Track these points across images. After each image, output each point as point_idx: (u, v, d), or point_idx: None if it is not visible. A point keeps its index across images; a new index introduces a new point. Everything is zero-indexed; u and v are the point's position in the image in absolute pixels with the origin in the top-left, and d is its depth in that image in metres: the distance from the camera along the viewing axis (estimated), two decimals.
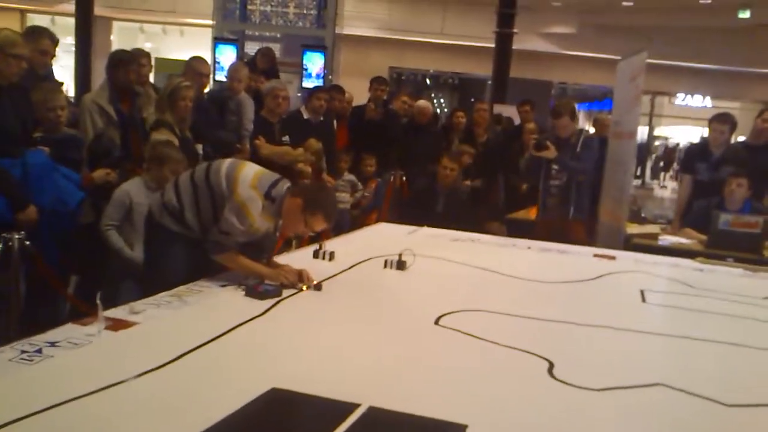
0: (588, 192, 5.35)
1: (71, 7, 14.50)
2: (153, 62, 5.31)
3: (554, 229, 5.06)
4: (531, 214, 6.18)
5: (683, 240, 5.07)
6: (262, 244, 3.05)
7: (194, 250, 2.96)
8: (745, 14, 14.73)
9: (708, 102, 22.33)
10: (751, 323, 2.99)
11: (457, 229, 4.85)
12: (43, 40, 4.04)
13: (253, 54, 7.87)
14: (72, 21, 14.22)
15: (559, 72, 19.91)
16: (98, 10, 14.86)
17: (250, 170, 2.94)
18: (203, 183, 2.94)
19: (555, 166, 5.22)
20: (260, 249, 3.05)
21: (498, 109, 9.56)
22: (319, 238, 3.95)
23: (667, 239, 5.11)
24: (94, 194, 3.78)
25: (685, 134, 25.45)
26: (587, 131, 5.52)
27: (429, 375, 2.07)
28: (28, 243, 3.20)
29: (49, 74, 4.24)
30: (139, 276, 3.45)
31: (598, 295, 3.37)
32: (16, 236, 3.18)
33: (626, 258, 4.28)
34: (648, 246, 4.90)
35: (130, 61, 4.54)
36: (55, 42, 4.13)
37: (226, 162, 3.02)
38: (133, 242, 3.58)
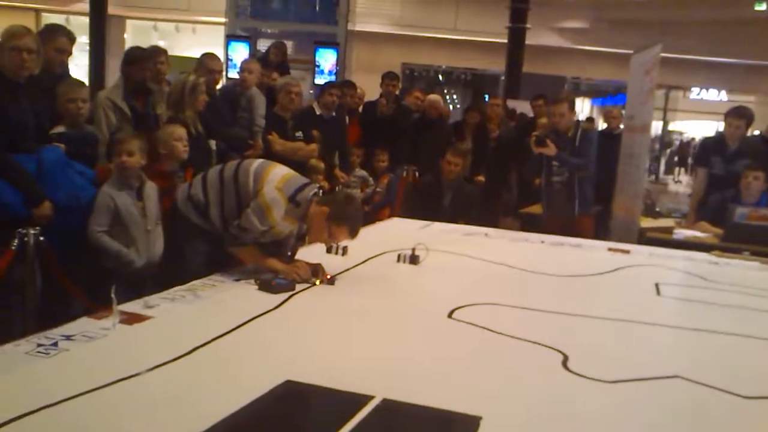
0: (591, 186, 5.29)
1: (85, 6, 14.59)
2: None
3: (562, 225, 5.02)
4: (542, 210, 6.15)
5: (698, 233, 5.03)
6: (284, 245, 3.06)
7: (215, 244, 2.99)
8: (761, 6, 14.57)
9: (723, 96, 22.14)
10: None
11: (469, 224, 4.83)
12: (59, 38, 4.04)
13: (265, 50, 7.88)
14: (86, 20, 14.33)
15: (572, 67, 19.80)
16: (112, 9, 14.95)
17: (279, 172, 2.95)
18: (231, 180, 2.96)
19: (555, 163, 5.17)
20: (281, 250, 3.05)
21: (511, 104, 9.52)
22: None
23: (681, 233, 5.07)
24: None
25: (700, 128, 25.24)
26: (585, 123, 5.44)
27: (443, 368, 2.07)
28: (42, 239, 3.21)
29: (65, 72, 4.25)
30: (135, 278, 3.39)
31: (613, 289, 3.35)
32: (32, 232, 3.20)
33: (641, 252, 4.25)
34: (663, 240, 4.86)
35: (145, 59, 4.55)
36: (72, 40, 4.13)
37: (257, 162, 3.05)
38: (128, 244, 3.48)
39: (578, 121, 5.32)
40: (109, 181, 3.63)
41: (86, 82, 5.47)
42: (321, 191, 3.03)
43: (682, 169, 23.48)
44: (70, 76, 4.34)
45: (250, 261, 2.96)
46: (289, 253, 3.07)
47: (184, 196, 3.07)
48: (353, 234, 2.93)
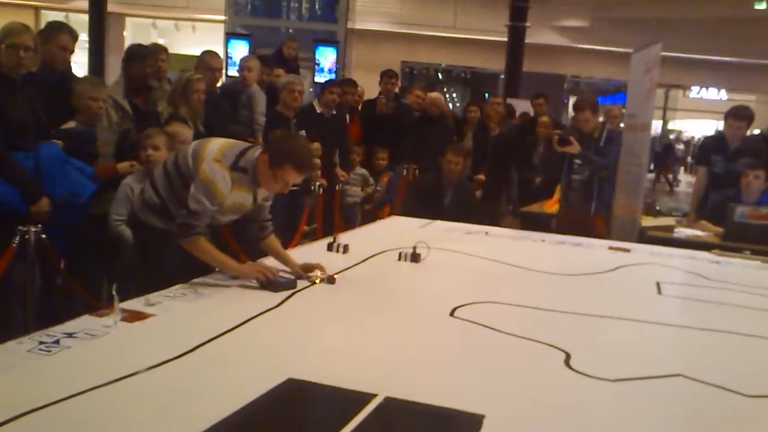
0: (611, 188, 5.28)
1: (85, 4, 14.59)
2: None
3: (576, 224, 5.02)
4: (545, 207, 6.15)
5: (699, 232, 5.03)
6: (255, 217, 2.94)
7: None
8: (761, 5, 14.58)
9: (723, 95, 22.16)
10: None
11: (469, 222, 4.83)
12: (62, 36, 4.03)
13: (276, 47, 7.86)
14: (85, 17, 14.31)
15: (572, 65, 19.80)
16: (111, 7, 14.93)
17: (215, 144, 2.77)
18: (174, 170, 2.83)
19: (577, 161, 5.16)
20: (257, 223, 2.95)
21: (511, 102, 9.52)
22: (332, 230, 3.96)
23: (682, 232, 5.07)
24: (115, 185, 3.79)
25: (700, 127, 25.26)
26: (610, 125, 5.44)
27: (446, 366, 2.07)
28: (44, 236, 3.21)
29: (68, 70, 4.24)
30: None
31: (614, 287, 3.35)
32: (33, 229, 3.20)
33: (641, 250, 4.25)
34: (663, 238, 4.86)
35: (145, 56, 4.55)
36: (74, 38, 4.13)
37: (194, 143, 2.91)
38: None
39: (604, 122, 5.31)
40: (133, 175, 3.68)
41: None
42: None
43: (681, 168, 23.46)
44: (72, 74, 4.34)
45: (203, 258, 2.72)
46: (266, 231, 2.97)
47: (140, 205, 2.95)
48: (301, 169, 2.72)
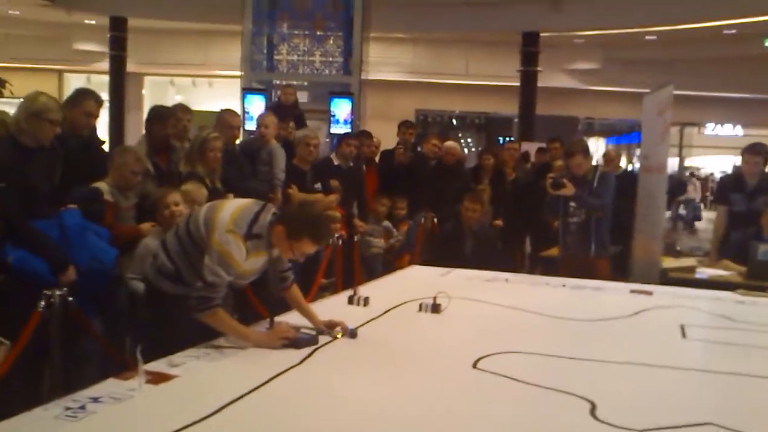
0: (608, 228, 5.26)
1: (105, 66, 15.03)
2: None
3: (578, 266, 4.98)
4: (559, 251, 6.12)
5: (722, 272, 4.98)
6: (274, 270, 2.90)
7: None
8: None
9: (739, 130, 22.11)
10: None
11: (490, 269, 4.82)
12: (87, 102, 4.11)
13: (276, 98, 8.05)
14: (106, 78, 14.75)
15: (585, 107, 19.94)
16: (131, 67, 15.37)
17: (227, 212, 2.72)
18: (186, 236, 2.80)
19: (573, 204, 5.15)
20: (277, 275, 2.93)
21: (525, 146, 9.57)
22: (352, 282, 3.97)
23: (704, 272, 5.02)
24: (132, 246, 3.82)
25: (717, 164, 25.13)
26: (603, 166, 5.44)
27: (470, 421, 2.05)
28: (71, 299, 3.23)
29: (93, 134, 4.33)
30: None
31: (637, 332, 3.31)
32: (58, 293, 3.22)
33: (664, 293, 4.21)
34: (685, 279, 4.81)
35: (166, 117, 4.66)
36: (99, 103, 4.22)
37: (205, 207, 2.87)
38: None
39: (596, 165, 5.32)
40: (153, 234, 3.71)
41: (107, 137, 5.55)
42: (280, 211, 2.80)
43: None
44: (98, 138, 4.43)
45: (222, 329, 2.69)
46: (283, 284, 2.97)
47: (153, 271, 2.90)
48: (319, 242, 2.76)
